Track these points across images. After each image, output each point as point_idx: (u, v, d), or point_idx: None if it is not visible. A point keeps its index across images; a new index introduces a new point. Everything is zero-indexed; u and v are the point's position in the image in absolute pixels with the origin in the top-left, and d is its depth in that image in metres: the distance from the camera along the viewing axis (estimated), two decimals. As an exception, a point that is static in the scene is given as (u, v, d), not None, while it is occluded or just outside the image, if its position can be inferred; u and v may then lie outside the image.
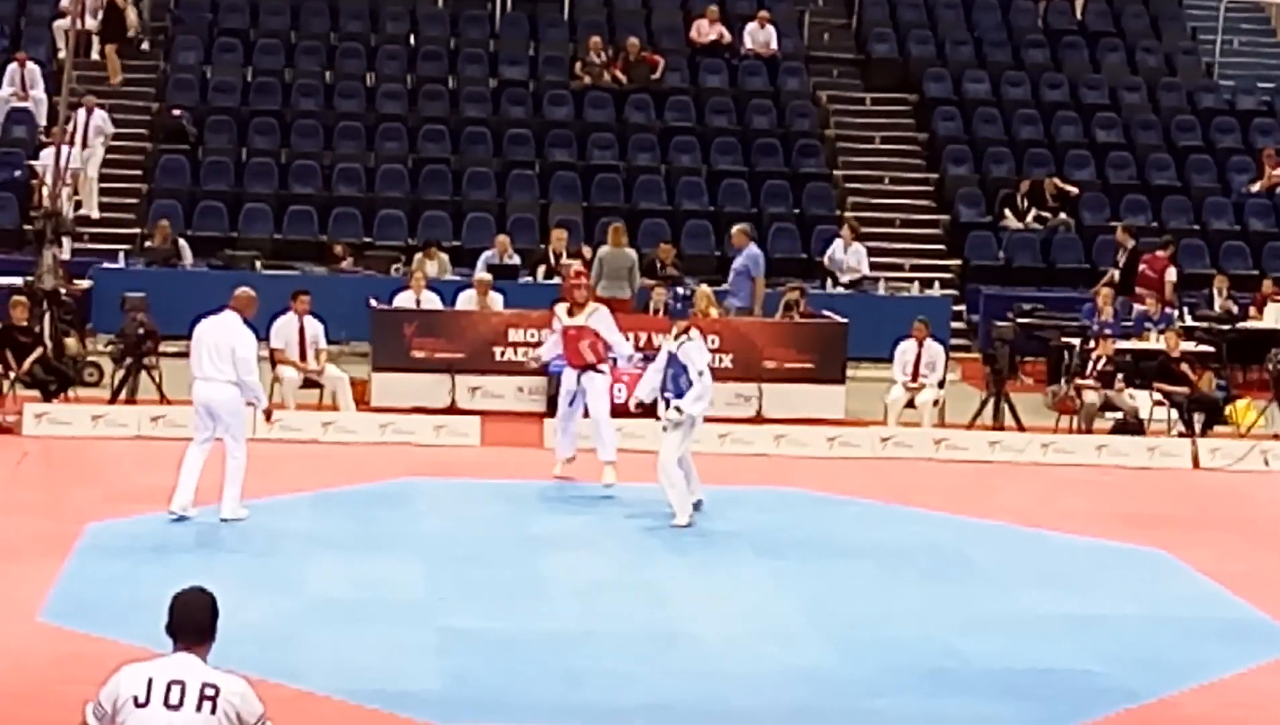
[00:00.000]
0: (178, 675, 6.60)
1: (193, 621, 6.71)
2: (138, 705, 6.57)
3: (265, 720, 6.71)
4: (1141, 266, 25.65)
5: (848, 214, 27.18)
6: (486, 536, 15.22)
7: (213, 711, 6.56)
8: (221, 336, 14.95)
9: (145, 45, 29.52)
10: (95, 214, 25.95)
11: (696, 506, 15.88)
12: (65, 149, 22.38)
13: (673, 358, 15.81)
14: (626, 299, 23.11)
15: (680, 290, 18.43)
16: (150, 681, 6.59)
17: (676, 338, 15.90)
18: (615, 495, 16.71)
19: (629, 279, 23.30)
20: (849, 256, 25.69)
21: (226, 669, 6.75)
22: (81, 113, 25.72)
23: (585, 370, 17.09)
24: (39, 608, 12.49)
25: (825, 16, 32.54)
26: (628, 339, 19.12)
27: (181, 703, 6.54)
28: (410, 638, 12.24)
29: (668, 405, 15.69)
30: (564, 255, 24.00)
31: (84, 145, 25.64)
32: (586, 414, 17.21)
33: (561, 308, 17.47)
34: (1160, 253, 25.80)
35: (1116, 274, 25.67)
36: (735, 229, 23.87)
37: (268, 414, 15.68)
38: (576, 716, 10.89)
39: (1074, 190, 28.66)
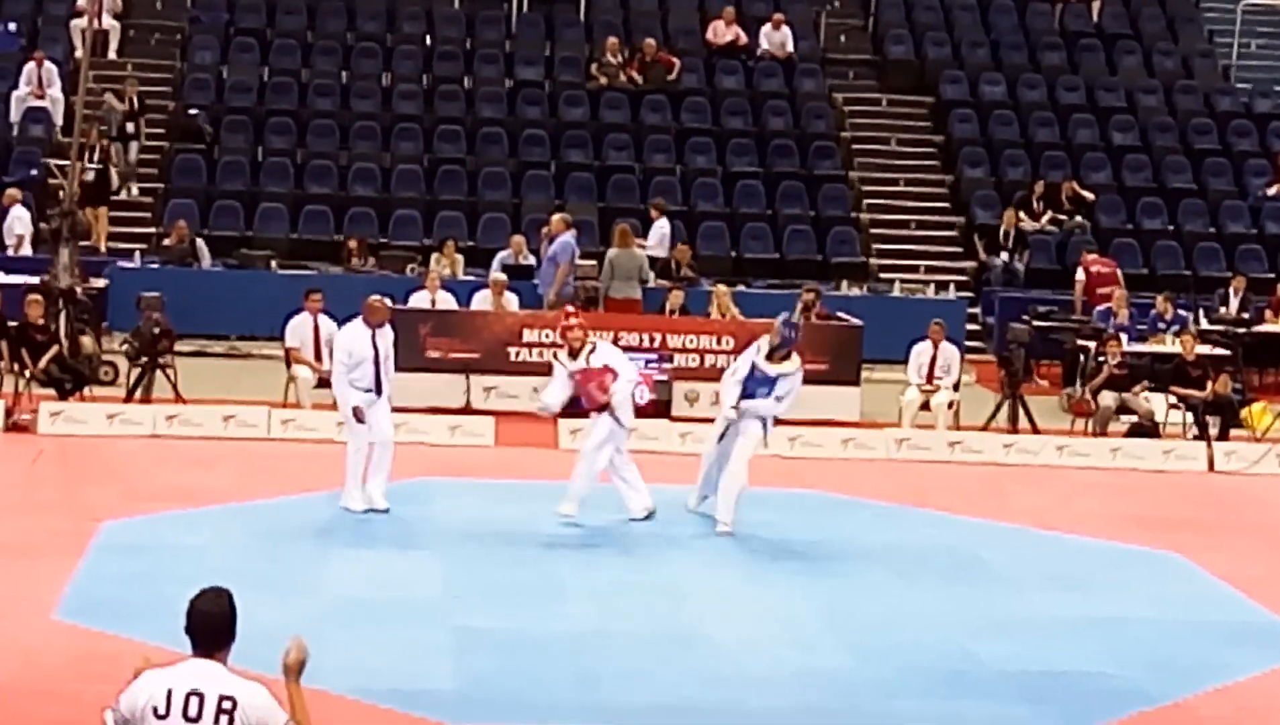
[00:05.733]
0: (197, 686, 6.54)
1: (210, 628, 6.63)
2: (158, 717, 6.52)
3: None
4: (1095, 268, 25.59)
5: (654, 200, 26.70)
6: (502, 537, 15.20)
7: (230, 724, 6.55)
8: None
9: (135, 191, 27.62)
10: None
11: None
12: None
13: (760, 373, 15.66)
14: (638, 300, 23.11)
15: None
16: (170, 692, 6.53)
17: (775, 359, 15.66)
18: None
19: (640, 279, 23.29)
20: (650, 237, 25.54)
21: (246, 673, 6.68)
22: None
23: (602, 410, 15.84)
24: (54, 605, 12.50)
25: (841, 18, 32.54)
26: (640, 340, 18.97)
27: (200, 715, 6.50)
28: (426, 638, 12.23)
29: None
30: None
31: None
32: None
33: (561, 354, 16.22)
34: (1096, 256, 25.92)
35: None
36: (555, 217, 23.80)
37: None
38: (592, 717, 10.87)
39: (1090, 195, 28.62)
